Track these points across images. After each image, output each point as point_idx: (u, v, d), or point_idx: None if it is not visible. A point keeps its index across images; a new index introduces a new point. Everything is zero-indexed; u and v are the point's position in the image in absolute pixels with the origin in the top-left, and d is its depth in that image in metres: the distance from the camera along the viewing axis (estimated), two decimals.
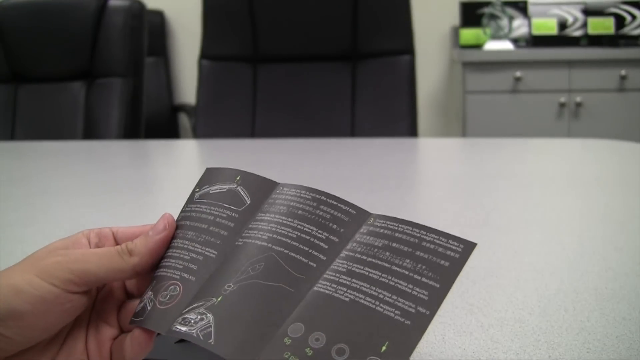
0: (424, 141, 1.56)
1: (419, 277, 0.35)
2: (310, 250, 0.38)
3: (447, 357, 0.44)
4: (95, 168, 1.17)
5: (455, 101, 2.93)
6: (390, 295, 0.34)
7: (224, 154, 1.30)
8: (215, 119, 1.69)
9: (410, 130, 1.61)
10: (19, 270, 0.36)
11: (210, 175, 0.44)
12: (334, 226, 0.39)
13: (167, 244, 0.41)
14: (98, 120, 1.64)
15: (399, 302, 0.34)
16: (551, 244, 0.66)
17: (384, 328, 0.33)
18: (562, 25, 2.95)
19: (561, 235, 0.68)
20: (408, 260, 0.36)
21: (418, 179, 1.06)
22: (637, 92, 2.66)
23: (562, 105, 2.69)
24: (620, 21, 2.92)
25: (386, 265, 0.36)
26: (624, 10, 2.92)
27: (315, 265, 0.37)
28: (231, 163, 0.47)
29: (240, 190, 0.43)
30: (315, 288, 0.36)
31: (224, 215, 0.41)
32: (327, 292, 0.35)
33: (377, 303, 0.34)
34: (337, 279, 0.36)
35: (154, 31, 3.06)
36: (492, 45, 2.83)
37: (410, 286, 0.35)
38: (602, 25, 2.92)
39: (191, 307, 0.36)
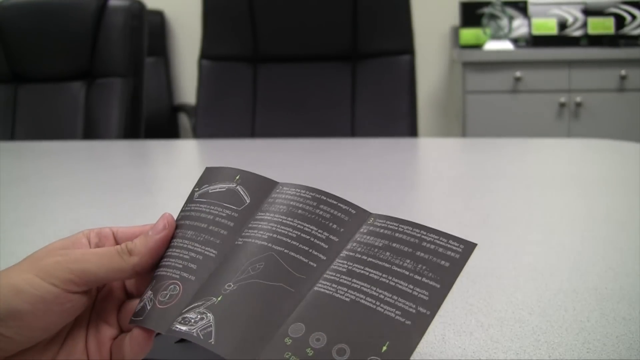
0: (424, 141, 1.56)
1: (419, 278, 0.35)
2: (311, 250, 0.38)
3: (447, 357, 0.44)
4: (95, 168, 1.17)
5: (455, 101, 2.93)
6: (390, 295, 0.34)
7: (224, 154, 1.30)
8: (215, 119, 1.69)
9: (410, 130, 1.61)
10: (18, 270, 0.36)
11: (209, 175, 0.44)
12: (334, 226, 0.39)
13: (167, 244, 0.41)
14: (98, 120, 1.64)
15: (399, 302, 0.34)
16: (551, 244, 0.66)
17: (384, 328, 0.33)
18: (562, 25, 2.95)
19: (561, 235, 0.68)
20: (408, 261, 0.36)
21: (418, 179, 1.06)
22: (637, 92, 2.66)
23: (562, 105, 2.69)
24: (620, 21, 2.92)
25: (386, 265, 0.36)
26: (624, 10, 2.92)
27: (315, 265, 0.37)
28: (231, 163, 0.47)
29: (239, 189, 0.43)
30: (315, 288, 0.36)
31: (224, 214, 0.41)
32: (327, 292, 0.35)
33: (378, 303, 0.34)
34: (338, 279, 0.36)
35: (154, 31, 3.06)
36: (492, 45, 2.83)
37: (411, 286, 0.35)
38: (602, 25, 2.92)
39: (191, 306, 0.36)
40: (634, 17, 2.91)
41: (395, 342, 0.32)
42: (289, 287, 0.36)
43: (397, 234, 0.37)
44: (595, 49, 2.77)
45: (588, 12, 2.94)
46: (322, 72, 1.68)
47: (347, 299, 0.35)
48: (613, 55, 2.65)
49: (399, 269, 0.36)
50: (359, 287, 0.35)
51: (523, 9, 2.97)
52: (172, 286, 0.38)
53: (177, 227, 0.42)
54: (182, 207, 0.43)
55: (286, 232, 0.39)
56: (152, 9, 3.07)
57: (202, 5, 1.71)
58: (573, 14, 2.94)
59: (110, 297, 0.41)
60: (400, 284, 0.35)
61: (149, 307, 0.38)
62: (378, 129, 1.61)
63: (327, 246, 0.38)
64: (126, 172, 1.12)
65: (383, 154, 1.21)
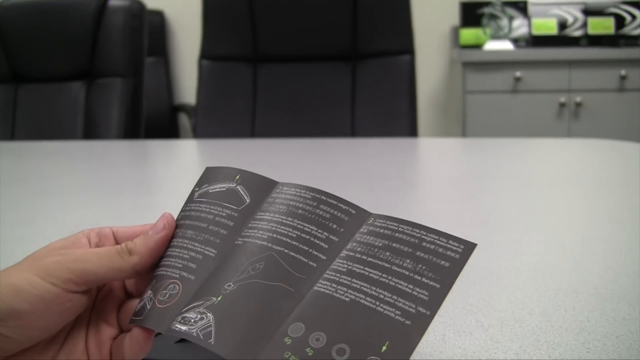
0: (424, 141, 1.56)
1: (419, 278, 0.35)
2: (311, 250, 0.38)
3: (447, 357, 0.44)
4: (95, 168, 1.17)
5: (455, 101, 2.93)
6: (390, 295, 0.34)
7: (224, 154, 1.30)
8: (215, 119, 1.69)
9: (410, 130, 1.61)
10: (18, 269, 0.36)
11: (209, 175, 0.44)
12: (334, 226, 0.39)
13: (167, 243, 0.41)
14: (98, 120, 1.64)
15: (399, 302, 0.34)
16: (551, 244, 0.66)
17: (384, 328, 0.33)
18: (562, 25, 2.95)
19: (561, 235, 0.68)
20: (408, 261, 0.36)
21: (418, 179, 1.06)
22: (637, 92, 2.66)
23: (562, 105, 2.69)
24: (620, 21, 2.92)
25: (386, 265, 0.36)
26: (624, 10, 2.92)
27: (315, 265, 0.37)
28: (231, 163, 0.47)
29: (239, 189, 0.43)
30: (315, 288, 0.36)
31: (224, 214, 0.41)
32: (327, 292, 0.35)
33: (378, 303, 0.34)
34: (338, 279, 0.36)
35: (154, 31, 3.06)
36: (492, 45, 2.83)
37: (411, 286, 0.35)
38: (602, 25, 2.92)
39: (191, 306, 0.36)
40: (634, 17, 2.91)
41: (395, 342, 0.32)
42: (288, 287, 0.36)
43: (397, 234, 0.37)
44: (595, 49, 2.77)
45: (588, 12, 2.94)
46: (322, 72, 1.68)
47: (347, 299, 0.35)
48: (613, 55, 2.65)
49: (399, 269, 0.36)
50: (358, 287, 0.35)
51: (523, 9, 2.97)
52: (171, 286, 0.38)
53: (177, 227, 0.42)
54: (182, 207, 0.43)
55: (286, 232, 0.39)
56: (152, 9, 3.07)
57: (202, 5, 1.71)
58: (573, 14, 2.94)
59: (110, 297, 0.41)
60: (400, 284, 0.35)
61: (148, 307, 0.38)
62: (378, 129, 1.61)
63: (327, 246, 0.38)
64: (126, 172, 1.12)
65: (383, 154, 1.21)
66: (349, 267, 0.36)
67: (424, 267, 0.35)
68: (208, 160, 1.28)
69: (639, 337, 0.45)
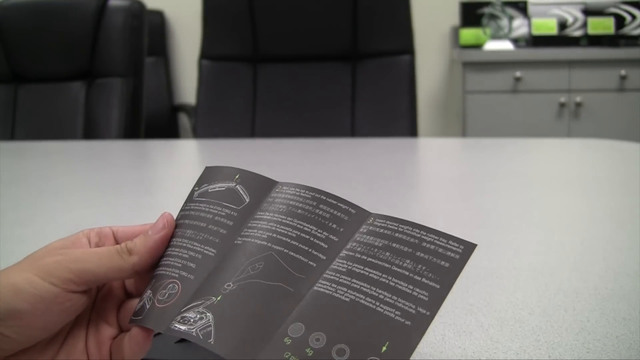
0: (424, 141, 1.56)
1: (419, 278, 0.35)
2: (310, 250, 0.38)
3: (447, 357, 0.44)
4: (95, 168, 1.17)
5: (455, 101, 2.93)
6: (390, 295, 0.34)
7: (224, 154, 1.30)
8: (215, 119, 1.69)
9: (410, 130, 1.61)
10: (18, 269, 0.36)
11: (209, 174, 0.44)
12: (334, 225, 0.39)
13: (167, 243, 0.41)
14: (98, 120, 1.64)
15: (399, 302, 0.34)
16: (551, 244, 0.66)
17: (384, 328, 0.33)
18: (562, 25, 2.95)
19: (561, 235, 0.68)
20: (408, 261, 0.36)
21: (418, 179, 1.06)
22: (637, 92, 2.66)
23: (562, 105, 2.69)
24: (620, 21, 2.92)
25: (386, 265, 0.36)
26: (624, 10, 2.92)
27: (315, 264, 0.37)
28: (231, 163, 0.47)
29: (239, 188, 0.43)
30: (315, 288, 0.36)
31: (223, 213, 0.41)
32: (327, 292, 0.35)
33: (378, 303, 0.34)
34: (337, 279, 0.36)
35: (154, 31, 3.06)
36: (492, 45, 2.83)
37: (411, 287, 0.35)
38: (602, 25, 2.92)
39: (190, 305, 0.36)
40: (634, 17, 2.91)
41: (394, 342, 0.32)
42: (288, 287, 0.36)
43: (397, 234, 0.37)
44: (595, 49, 2.77)
45: (588, 12, 2.94)
46: (322, 72, 1.68)
47: (346, 299, 0.35)
48: (613, 55, 2.65)
49: (398, 269, 0.36)
50: (358, 287, 0.35)
51: (523, 9, 2.97)
52: (171, 285, 0.38)
53: (176, 227, 0.42)
54: (182, 207, 0.43)
55: (286, 232, 0.39)
56: (152, 9, 3.07)
57: (202, 5, 1.71)
58: (573, 14, 2.94)
59: (110, 297, 0.41)
60: (400, 284, 0.35)
61: (148, 307, 0.38)
62: (378, 129, 1.61)
63: (326, 246, 0.38)
64: (126, 172, 1.12)
65: (383, 154, 1.21)
66: (349, 267, 0.36)
67: (423, 268, 0.35)
68: (208, 160, 1.28)
69: (639, 337, 0.45)
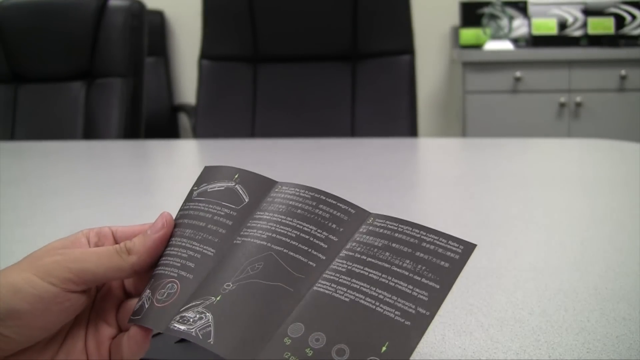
0: (424, 141, 1.56)
1: (419, 278, 0.35)
2: (310, 250, 0.38)
3: (447, 357, 0.44)
4: (95, 168, 1.17)
5: (455, 101, 2.93)
6: (390, 295, 0.34)
7: (224, 154, 1.30)
8: (215, 119, 1.69)
9: (410, 130, 1.61)
10: (17, 269, 0.36)
11: (208, 174, 0.44)
12: (334, 225, 0.39)
13: (166, 243, 0.41)
14: (98, 120, 1.64)
15: (399, 302, 0.34)
16: (551, 244, 0.65)
17: (384, 329, 0.33)
18: (562, 25, 2.95)
19: (561, 235, 0.68)
20: (408, 261, 0.36)
21: (418, 179, 1.06)
22: (637, 92, 2.66)
23: (562, 105, 2.69)
24: (620, 21, 2.92)
25: (386, 265, 0.36)
26: (624, 10, 2.92)
27: (314, 264, 0.37)
28: (231, 163, 0.47)
29: (238, 188, 0.43)
30: (315, 288, 0.36)
31: (222, 213, 0.41)
32: (327, 292, 0.35)
33: (377, 303, 0.34)
34: (337, 279, 0.36)
35: (154, 31, 3.06)
36: (492, 45, 2.83)
37: (410, 287, 0.35)
38: (602, 25, 2.92)
39: (189, 305, 0.36)
40: (634, 17, 2.91)
41: (394, 342, 0.32)
42: (288, 287, 0.36)
43: (396, 234, 0.37)
44: (595, 49, 2.76)
45: (588, 12, 2.94)
46: (322, 72, 1.68)
47: (346, 299, 0.35)
48: (613, 55, 2.65)
49: (398, 269, 0.36)
50: (358, 287, 0.35)
51: (523, 9, 2.97)
52: (169, 285, 0.38)
53: (175, 226, 0.42)
54: (181, 206, 0.43)
55: (285, 232, 0.39)
56: (152, 9, 3.07)
57: (202, 5, 1.71)
58: (573, 14, 2.94)
59: (109, 297, 0.41)
60: (400, 285, 0.35)
61: (147, 306, 0.38)
62: (378, 129, 1.61)
63: (326, 246, 0.38)
64: (126, 172, 1.12)
65: (383, 154, 1.21)
66: (349, 267, 0.36)
67: (423, 268, 0.35)
68: (208, 160, 1.28)
69: (639, 337, 0.45)
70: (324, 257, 0.38)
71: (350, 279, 0.36)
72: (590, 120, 2.69)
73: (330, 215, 0.39)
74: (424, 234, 0.37)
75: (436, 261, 0.35)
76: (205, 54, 1.72)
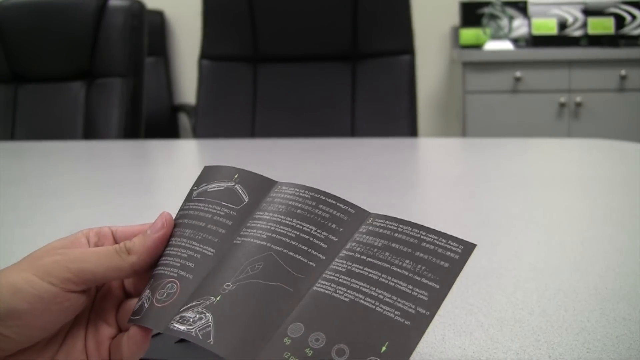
0: (424, 141, 1.56)
1: (418, 278, 0.35)
2: (310, 250, 0.38)
3: (447, 357, 0.44)
4: (95, 168, 1.17)
5: (455, 101, 2.93)
6: (390, 295, 0.34)
7: (224, 154, 1.30)
8: (215, 119, 1.69)
9: (410, 130, 1.61)
10: (17, 269, 0.36)
11: (208, 174, 0.44)
12: (333, 225, 0.39)
13: (165, 243, 0.41)
14: (98, 120, 1.64)
15: (398, 302, 0.34)
16: (551, 244, 0.65)
17: (383, 328, 0.33)
18: (562, 25, 2.95)
19: (561, 235, 0.68)
20: (408, 261, 0.36)
21: (418, 179, 1.06)
22: (637, 92, 2.66)
23: (562, 105, 2.69)
24: (620, 21, 2.92)
25: (386, 265, 0.36)
26: (624, 10, 2.92)
27: (314, 265, 0.37)
28: (231, 163, 0.47)
29: (238, 188, 0.42)
30: (314, 288, 0.36)
31: (222, 213, 0.41)
32: (326, 292, 0.35)
33: (377, 303, 0.34)
34: (337, 279, 0.36)
35: (154, 31, 3.06)
36: (492, 45, 2.83)
37: (410, 287, 0.35)
38: (602, 25, 2.92)
39: (189, 305, 0.36)
40: (634, 17, 2.91)
41: (394, 342, 0.32)
42: (288, 287, 0.36)
43: (396, 234, 0.37)
44: (595, 49, 2.76)
45: (588, 12, 2.94)
46: (322, 72, 1.68)
47: (346, 299, 0.35)
48: (613, 55, 2.65)
49: (398, 269, 0.36)
50: (358, 287, 0.35)
51: (523, 9, 2.97)
52: (169, 285, 0.38)
53: (175, 226, 0.41)
54: (181, 206, 0.43)
55: (285, 232, 0.39)
56: (152, 9, 3.07)
57: (202, 5, 1.71)
58: (573, 14, 2.94)
59: (109, 297, 0.41)
60: (400, 284, 0.35)
61: (146, 306, 0.38)
62: (378, 129, 1.61)
63: (326, 246, 0.38)
64: (126, 172, 1.12)
65: (383, 154, 1.21)
66: (348, 267, 0.36)
67: (423, 268, 0.35)
68: (208, 160, 1.28)
69: (639, 337, 0.45)
70: (323, 257, 0.38)
71: (350, 279, 0.36)
72: (590, 120, 2.69)
73: (330, 215, 0.39)
74: (424, 233, 0.37)
75: (436, 261, 0.35)
76: (205, 54, 1.72)
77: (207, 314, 0.35)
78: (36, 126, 1.68)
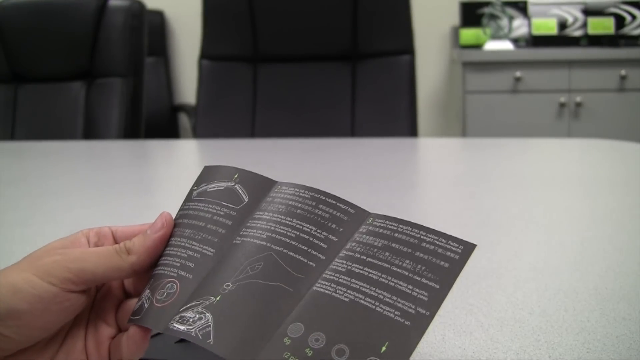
0: (424, 141, 1.56)
1: (418, 278, 0.35)
2: (310, 250, 0.38)
3: (447, 357, 0.44)
4: (95, 168, 1.17)
5: (455, 101, 2.93)
6: (390, 295, 0.34)
7: (224, 154, 1.30)
8: (215, 119, 1.69)
9: (410, 130, 1.61)
10: (17, 269, 0.36)
11: (208, 173, 0.44)
12: (333, 225, 0.39)
13: (165, 242, 0.41)
14: (98, 120, 1.64)
15: (398, 302, 0.34)
16: (551, 244, 0.65)
17: (383, 329, 0.33)
18: (562, 25, 2.95)
19: (561, 235, 0.68)
20: (408, 261, 0.36)
21: (418, 179, 1.06)
22: (637, 92, 2.66)
23: (562, 105, 2.69)
24: (620, 21, 2.92)
25: (386, 265, 0.36)
26: (624, 10, 2.92)
27: (314, 265, 0.37)
28: (231, 163, 0.47)
29: (238, 188, 0.42)
30: (314, 288, 0.36)
31: (222, 213, 0.41)
32: (326, 292, 0.35)
33: (377, 303, 0.34)
34: (337, 279, 0.36)
35: (154, 31, 3.06)
36: (492, 45, 2.83)
37: (410, 287, 0.35)
38: (602, 25, 2.92)
39: (189, 305, 0.36)
40: (634, 17, 2.91)
41: (394, 342, 0.32)
42: (288, 287, 0.36)
43: (396, 234, 0.37)
44: (595, 49, 2.76)
45: (588, 12, 2.94)
46: (322, 72, 1.68)
47: (346, 299, 0.35)
48: (613, 55, 2.65)
49: (398, 269, 0.35)
50: (358, 287, 0.35)
51: (523, 9, 2.97)
52: (169, 284, 0.38)
53: (175, 226, 0.41)
54: (181, 206, 0.43)
55: (285, 232, 0.39)
56: (152, 9, 3.07)
57: (202, 5, 1.71)
58: (573, 14, 2.94)
59: (109, 297, 0.41)
60: (400, 285, 0.35)
61: (146, 306, 0.38)
62: (378, 129, 1.61)
63: (326, 246, 0.38)
64: (126, 172, 1.12)
65: (383, 154, 1.21)
66: (348, 267, 0.36)
67: (423, 268, 0.35)
68: (208, 160, 1.28)
69: (639, 337, 0.45)
70: (323, 257, 0.38)
71: (350, 279, 0.36)
72: (590, 120, 2.69)
73: (329, 215, 0.39)
74: (424, 234, 0.37)
75: (436, 261, 0.35)
76: (205, 54, 1.72)
77: (207, 314, 0.35)
78: (36, 126, 1.68)
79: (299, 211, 0.40)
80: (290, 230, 0.39)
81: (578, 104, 2.68)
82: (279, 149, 1.31)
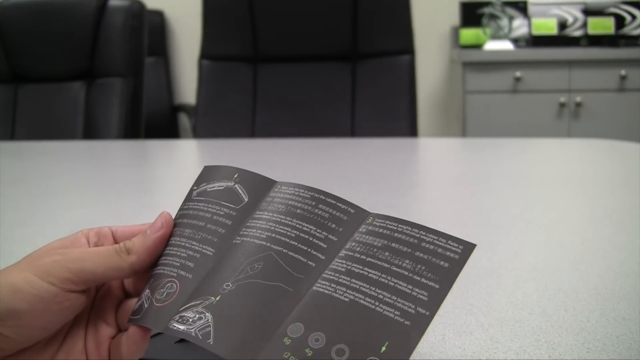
0: (424, 141, 1.56)
1: (418, 278, 0.35)
2: (309, 250, 0.38)
3: (447, 357, 0.44)
4: (95, 168, 1.17)
5: (455, 101, 2.93)
6: (389, 295, 0.34)
7: (224, 154, 1.30)
8: (215, 119, 1.69)
9: (410, 130, 1.61)
10: (17, 269, 0.36)
11: (208, 173, 0.44)
12: (333, 225, 0.39)
13: (165, 242, 0.41)
14: (98, 120, 1.64)
15: (398, 302, 0.34)
16: (551, 244, 0.65)
17: (383, 328, 0.33)
18: (562, 25, 2.95)
19: (561, 235, 0.68)
20: (407, 261, 0.36)
21: (418, 179, 1.06)
22: (637, 92, 2.66)
23: (562, 105, 2.69)
24: (620, 21, 2.92)
25: (385, 265, 0.36)
26: (624, 10, 2.92)
27: (314, 264, 0.37)
28: (231, 163, 0.47)
29: (237, 188, 0.42)
30: (314, 288, 0.36)
31: (222, 213, 0.41)
32: (326, 292, 0.35)
33: (377, 303, 0.34)
34: (337, 279, 0.36)
35: (154, 31, 3.06)
36: (492, 45, 2.83)
37: (410, 287, 0.35)
38: (602, 25, 2.92)
39: (188, 305, 0.36)
40: (634, 17, 2.91)
41: (394, 342, 0.32)
42: (287, 287, 0.36)
43: (396, 234, 0.37)
44: (595, 49, 2.76)
45: (588, 12, 2.94)
46: (322, 72, 1.68)
47: (346, 299, 0.35)
48: (613, 55, 2.65)
49: (398, 269, 0.35)
50: (358, 287, 0.35)
51: (523, 9, 2.97)
52: (169, 284, 0.38)
53: (175, 226, 0.41)
54: (181, 206, 0.43)
55: (285, 232, 0.39)
56: (152, 9, 3.07)
57: (202, 5, 1.71)
58: (573, 14, 2.94)
59: (109, 297, 0.41)
60: (400, 284, 0.35)
61: (146, 306, 0.38)
62: (378, 129, 1.61)
63: (326, 246, 0.38)
64: (126, 172, 1.12)
65: (383, 154, 1.21)
66: (348, 267, 0.36)
67: (423, 268, 0.35)
68: (208, 160, 1.28)
69: (639, 337, 0.45)
70: (323, 257, 0.38)
71: (349, 278, 0.36)
72: (590, 120, 2.69)
73: (329, 215, 0.39)
74: (424, 233, 0.37)
75: (436, 261, 0.35)
76: (205, 54, 1.72)
77: (207, 314, 0.35)
78: (36, 126, 1.68)
79: (298, 211, 0.40)
80: (290, 230, 0.39)
81: (578, 104, 2.68)
82: (279, 149, 1.31)
